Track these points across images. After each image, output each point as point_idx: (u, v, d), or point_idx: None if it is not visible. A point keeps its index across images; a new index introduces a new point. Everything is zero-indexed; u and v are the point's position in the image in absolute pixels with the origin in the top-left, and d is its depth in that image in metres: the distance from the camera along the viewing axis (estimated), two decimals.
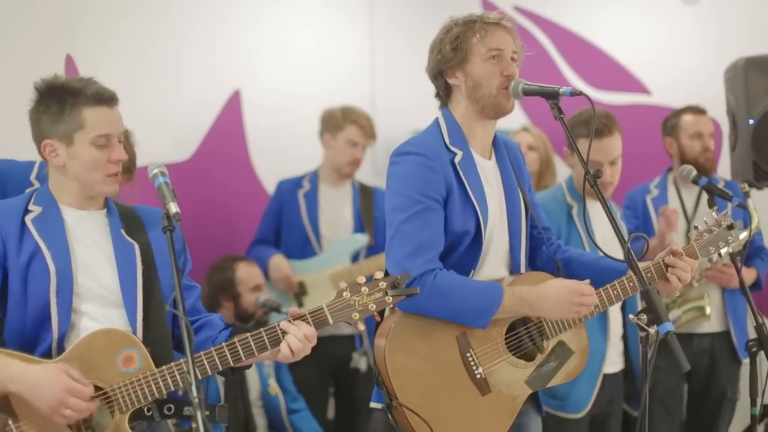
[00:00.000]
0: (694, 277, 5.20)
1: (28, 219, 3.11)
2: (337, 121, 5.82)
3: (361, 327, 3.08)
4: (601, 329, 4.43)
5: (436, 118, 3.53)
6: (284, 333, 3.05)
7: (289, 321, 3.06)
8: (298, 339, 3.03)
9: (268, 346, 3.04)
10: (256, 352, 3.04)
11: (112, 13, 5.56)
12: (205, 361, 3.01)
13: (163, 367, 3.02)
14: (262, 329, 3.06)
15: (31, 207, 3.15)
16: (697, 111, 5.54)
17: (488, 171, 3.50)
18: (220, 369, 3.03)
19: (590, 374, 4.35)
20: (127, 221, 3.22)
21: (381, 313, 3.18)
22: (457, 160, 3.40)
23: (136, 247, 3.18)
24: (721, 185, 5.30)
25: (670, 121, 5.57)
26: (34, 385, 2.90)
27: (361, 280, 3.10)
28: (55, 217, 3.14)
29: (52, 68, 5.01)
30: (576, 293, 3.34)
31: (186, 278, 3.31)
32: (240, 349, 3.03)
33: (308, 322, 3.06)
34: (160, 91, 5.78)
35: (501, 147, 3.59)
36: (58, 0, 5.30)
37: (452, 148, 3.42)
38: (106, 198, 3.25)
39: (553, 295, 3.34)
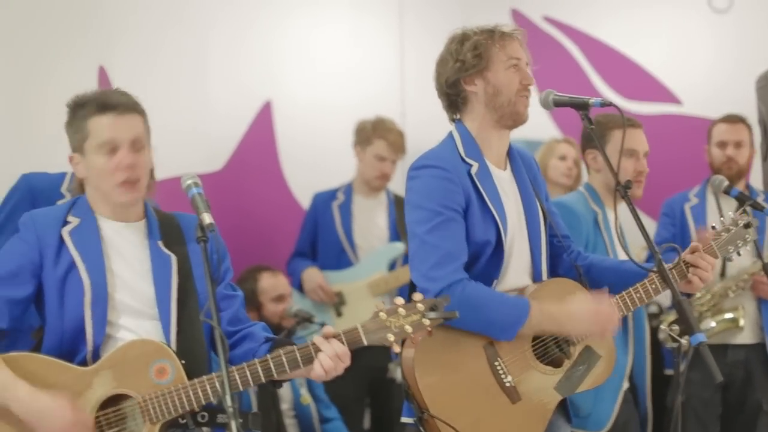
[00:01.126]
0: (729, 287, 5.19)
1: (65, 231, 3.12)
2: (367, 135, 5.87)
3: (397, 349, 3.05)
4: (623, 341, 4.34)
5: (450, 132, 3.53)
6: (317, 351, 3.03)
7: (323, 338, 3.04)
8: (329, 357, 3.01)
9: (301, 364, 3.03)
10: (288, 369, 3.03)
11: (145, 26, 5.61)
12: (237, 376, 3.00)
13: (195, 380, 3.02)
14: (295, 346, 3.05)
15: (69, 218, 3.16)
16: (727, 119, 5.49)
17: (504, 181, 3.51)
18: (251, 385, 3.03)
19: (611, 389, 4.26)
20: (167, 231, 3.21)
21: (413, 287, 3.16)
22: (473, 171, 3.41)
23: (173, 258, 3.18)
24: (760, 198, 5.28)
25: (709, 130, 5.57)
26: (38, 412, 2.93)
27: (399, 301, 3.06)
28: (92, 229, 3.15)
29: (86, 80, 5.15)
30: (604, 316, 3.36)
31: (228, 286, 3.31)
32: (272, 366, 3.02)
33: (342, 342, 3.04)
34: (192, 103, 5.83)
35: (516, 157, 3.60)
36: (91, 13, 5.35)
37: (468, 160, 3.43)
38: (145, 207, 3.25)
39: (580, 315, 3.35)
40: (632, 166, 4.37)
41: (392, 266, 5.78)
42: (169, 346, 3.09)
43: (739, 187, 5.17)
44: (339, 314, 5.72)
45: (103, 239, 3.15)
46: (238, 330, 3.25)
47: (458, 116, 3.54)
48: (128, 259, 3.16)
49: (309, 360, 3.03)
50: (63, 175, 3.93)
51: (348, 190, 5.92)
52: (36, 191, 3.96)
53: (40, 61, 5.03)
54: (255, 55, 6.17)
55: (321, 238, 5.86)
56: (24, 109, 4.94)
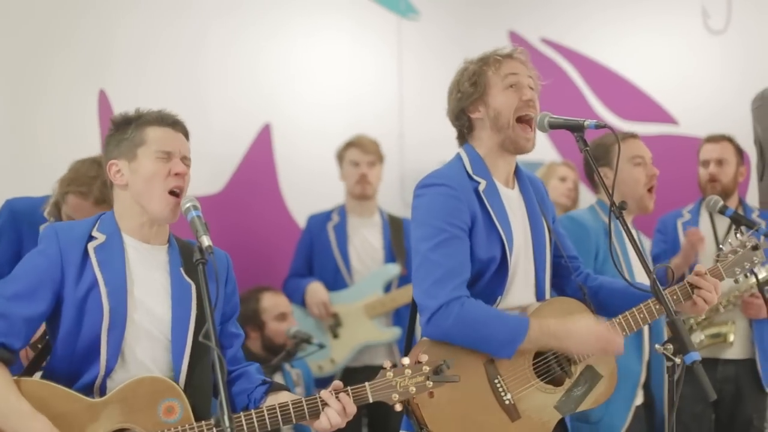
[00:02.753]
0: (720, 302, 5.21)
1: (90, 246, 3.13)
2: (341, 152, 6.01)
3: (398, 408, 3.12)
4: (636, 352, 4.37)
5: (458, 153, 3.57)
6: (324, 405, 3.08)
7: (331, 393, 3.09)
8: (337, 413, 3.06)
9: (307, 416, 3.08)
10: (294, 420, 3.07)
11: (145, 49, 5.64)
12: (244, 423, 3.02)
13: (203, 422, 3.05)
14: (303, 398, 3.09)
15: (95, 233, 3.16)
16: (710, 138, 5.57)
17: (512, 200, 3.54)
18: (257, 431, 3.05)
19: (624, 398, 4.29)
20: (188, 260, 3.22)
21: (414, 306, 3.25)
22: (481, 188, 3.44)
23: (193, 287, 3.20)
24: (755, 214, 5.31)
25: (697, 150, 5.62)
26: None
27: (406, 361, 3.13)
28: (117, 249, 3.16)
29: (86, 103, 5.18)
30: (604, 340, 3.37)
31: (234, 324, 3.36)
32: (279, 416, 3.05)
33: (348, 395, 3.09)
34: (192, 125, 5.79)
35: (524, 177, 3.63)
36: (92, 37, 5.38)
37: (475, 178, 3.46)
38: (169, 234, 3.27)
39: (581, 334, 3.37)
40: (644, 173, 4.45)
41: (388, 288, 5.81)
42: (178, 378, 3.11)
43: (730, 204, 5.21)
44: (335, 336, 5.74)
45: (127, 260, 3.16)
46: (234, 369, 3.30)
47: (466, 142, 3.59)
48: (149, 283, 3.17)
49: (315, 413, 3.08)
50: (45, 198, 3.96)
51: (342, 211, 5.97)
52: (18, 214, 4.01)
53: (41, 86, 5.05)
54: (254, 78, 6.21)
55: (317, 260, 5.91)
56: (24, 132, 4.97)
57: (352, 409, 3.09)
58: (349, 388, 3.11)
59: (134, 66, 5.57)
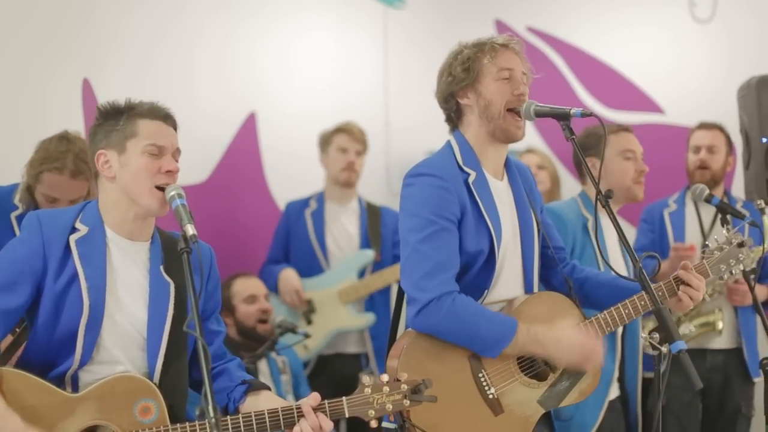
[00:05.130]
0: (706, 291, 5.21)
1: (72, 239, 3.11)
2: (327, 136, 5.98)
3: (374, 425, 3.14)
4: (610, 351, 4.35)
5: (448, 141, 3.55)
6: (300, 416, 3.09)
7: (309, 408, 3.09)
8: (311, 427, 3.07)
9: (282, 426, 3.09)
10: (269, 428, 3.08)
11: (129, 39, 5.61)
12: None
13: (177, 425, 3.04)
14: (279, 408, 3.09)
15: (78, 225, 3.14)
16: (702, 125, 5.62)
17: (501, 191, 3.52)
18: None
19: (596, 396, 4.24)
20: (169, 255, 3.21)
21: (400, 296, 3.28)
22: (470, 180, 3.42)
23: (172, 286, 3.19)
24: (739, 204, 5.32)
25: (687, 137, 5.63)
26: None
27: (384, 379, 3.14)
28: (100, 242, 3.14)
29: (70, 92, 5.15)
30: (590, 350, 3.38)
31: (215, 321, 3.35)
32: (254, 424, 3.06)
33: (326, 413, 3.11)
34: (177, 114, 5.79)
35: (513, 169, 3.62)
36: (76, 26, 5.34)
37: (465, 169, 3.44)
38: (153, 230, 3.25)
39: (567, 344, 3.37)
40: (633, 167, 4.47)
41: (362, 274, 5.81)
42: (153, 374, 3.11)
43: (716, 194, 5.22)
44: (309, 322, 5.74)
45: (109, 256, 3.14)
46: (215, 366, 3.29)
47: (456, 127, 3.56)
48: (128, 281, 3.16)
49: (290, 423, 3.09)
50: (15, 186, 3.95)
51: (320, 198, 5.97)
52: None
53: (24, 73, 5.02)
54: (239, 66, 6.18)
55: (294, 246, 5.91)
56: (7, 121, 4.93)
57: (327, 426, 3.11)
58: (326, 402, 3.12)
59: (118, 56, 5.54)
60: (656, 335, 3.20)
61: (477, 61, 3.48)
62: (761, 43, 6.59)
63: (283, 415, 3.08)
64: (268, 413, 3.07)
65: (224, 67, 6.11)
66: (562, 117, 3.40)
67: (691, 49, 6.80)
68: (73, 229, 3.13)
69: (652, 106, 6.80)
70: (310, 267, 5.84)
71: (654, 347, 3.20)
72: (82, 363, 3.07)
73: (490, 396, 3.38)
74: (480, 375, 3.38)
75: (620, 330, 4.35)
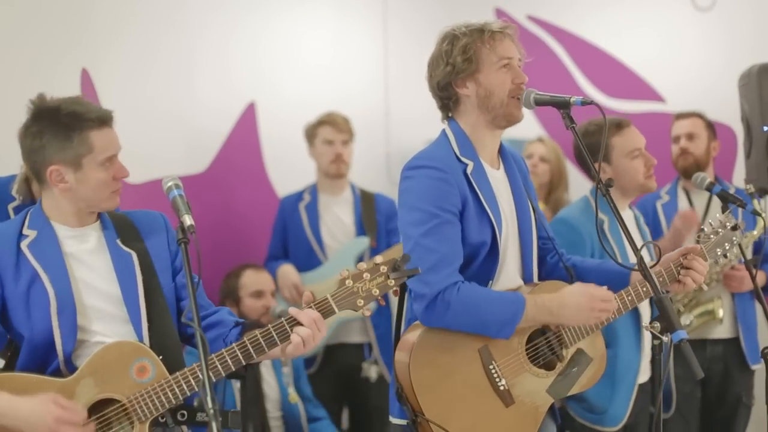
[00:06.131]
0: (704, 280, 5.21)
1: (23, 245, 3.12)
2: (311, 130, 5.97)
3: (368, 313, 3.10)
4: (636, 341, 4.37)
5: (443, 130, 3.52)
6: (292, 324, 3.07)
7: (297, 309, 3.09)
8: (306, 324, 3.05)
9: (278, 342, 3.07)
10: (266, 348, 3.06)
11: (128, 29, 5.59)
12: (218, 364, 3.03)
13: (177, 373, 3.04)
14: (270, 325, 3.08)
15: (25, 231, 3.15)
16: (679, 115, 5.65)
17: (498, 181, 3.51)
18: (233, 369, 3.06)
19: (626, 387, 4.32)
20: (122, 230, 3.22)
21: (402, 287, 3.21)
22: (469, 170, 3.40)
23: (134, 255, 3.19)
24: (731, 191, 5.30)
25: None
26: (23, 420, 2.91)
27: (363, 267, 3.11)
28: (51, 239, 3.14)
29: (68, 82, 5.13)
30: (597, 299, 3.35)
31: (183, 275, 3.29)
32: (251, 348, 3.06)
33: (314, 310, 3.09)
34: (176, 105, 5.81)
35: (508, 156, 3.60)
36: (73, 14, 5.32)
37: (463, 159, 3.42)
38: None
39: (574, 302, 3.35)
40: (642, 163, 4.43)
41: (359, 261, 5.78)
42: (141, 340, 3.10)
43: None
44: None
45: (63, 247, 3.14)
46: (204, 316, 3.25)
47: (451, 115, 3.54)
48: (90, 262, 3.16)
49: (285, 336, 3.06)
50: (12, 177, 3.93)
51: (313, 190, 5.96)
52: None
53: (22, 63, 5.00)
54: (238, 56, 6.17)
55: (291, 240, 5.91)
56: (5, 111, 4.92)
57: (319, 317, 3.08)
58: (312, 303, 3.10)
59: (116, 45, 5.52)
60: (657, 325, 3.19)
61: (477, 50, 3.45)
62: (762, 31, 6.57)
63: (275, 330, 3.06)
64: (260, 333, 3.06)
65: (223, 57, 6.10)
66: (562, 105, 3.38)
67: (691, 37, 6.78)
68: (22, 236, 3.14)
69: (652, 95, 6.78)
70: (309, 260, 5.84)
71: (655, 337, 3.19)
72: (67, 353, 3.07)
73: (501, 387, 3.38)
74: (491, 367, 3.37)
75: (647, 317, 4.34)
